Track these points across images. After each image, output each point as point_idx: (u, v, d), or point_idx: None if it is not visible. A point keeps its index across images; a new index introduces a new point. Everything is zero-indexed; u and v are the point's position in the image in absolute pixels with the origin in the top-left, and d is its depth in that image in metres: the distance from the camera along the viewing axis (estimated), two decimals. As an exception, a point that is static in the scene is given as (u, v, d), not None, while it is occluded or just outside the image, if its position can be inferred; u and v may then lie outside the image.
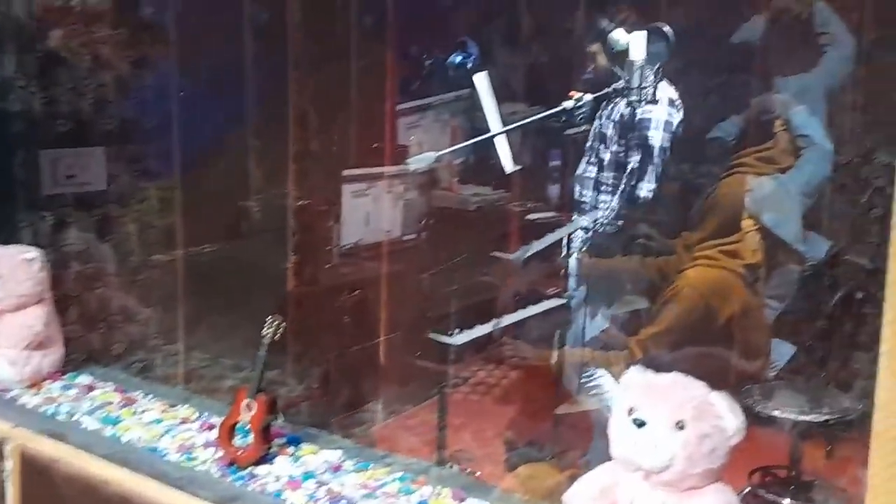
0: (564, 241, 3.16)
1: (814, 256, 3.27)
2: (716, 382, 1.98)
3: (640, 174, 2.96)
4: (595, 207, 3.06)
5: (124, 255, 3.64)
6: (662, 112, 2.94)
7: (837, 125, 3.19)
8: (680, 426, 1.84)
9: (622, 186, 2.97)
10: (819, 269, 3.28)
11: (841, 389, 3.09)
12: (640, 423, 1.86)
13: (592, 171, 3.10)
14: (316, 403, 3.50)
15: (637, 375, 1.99)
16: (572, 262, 3.13)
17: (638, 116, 2.94)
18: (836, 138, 3.18)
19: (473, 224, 3.66)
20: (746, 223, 3.22)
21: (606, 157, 3.04)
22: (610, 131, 3.05)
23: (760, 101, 3.22)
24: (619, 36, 2.95)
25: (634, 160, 2.95)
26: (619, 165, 3.01)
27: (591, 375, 3.05)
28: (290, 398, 3.43)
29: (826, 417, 2.92)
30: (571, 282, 3.15)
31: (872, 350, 1.62)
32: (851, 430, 2.88)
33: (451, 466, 3.00)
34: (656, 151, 2.94)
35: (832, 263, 3.28)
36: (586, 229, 3.07)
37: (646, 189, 2.96)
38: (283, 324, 2.63)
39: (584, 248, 3.07)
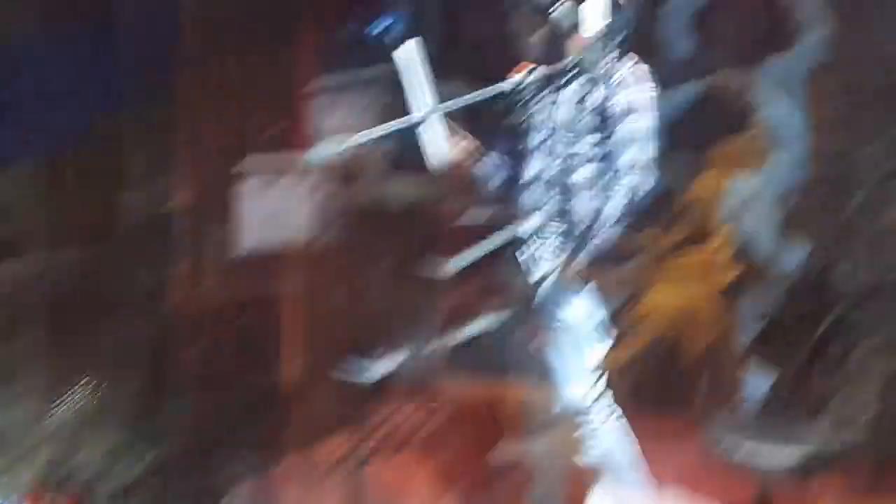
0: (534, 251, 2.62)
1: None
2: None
3: (640, 166, 2.50)
4: (568, 210, 2.53)
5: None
6: (646, 92, 2.52)
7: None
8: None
9: (626, 182, 2.47)
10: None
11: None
12: None
13: (556, 168, 2.56)
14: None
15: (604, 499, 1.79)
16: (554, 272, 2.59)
17: (620, 101, 2.50)
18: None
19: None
20: (722, 231, 3.08)
21: (580, 149, 2.52)
22: (577, 119, 2.54)
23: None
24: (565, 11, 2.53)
25: (633, 151, 2.50)
26: (606, 158, 2.53)
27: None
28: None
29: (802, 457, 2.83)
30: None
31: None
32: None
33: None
34: (653, 137, 2.51)
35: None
36: (578, 235, 2.54)
37: (652, 180, 2.51)
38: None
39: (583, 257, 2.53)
